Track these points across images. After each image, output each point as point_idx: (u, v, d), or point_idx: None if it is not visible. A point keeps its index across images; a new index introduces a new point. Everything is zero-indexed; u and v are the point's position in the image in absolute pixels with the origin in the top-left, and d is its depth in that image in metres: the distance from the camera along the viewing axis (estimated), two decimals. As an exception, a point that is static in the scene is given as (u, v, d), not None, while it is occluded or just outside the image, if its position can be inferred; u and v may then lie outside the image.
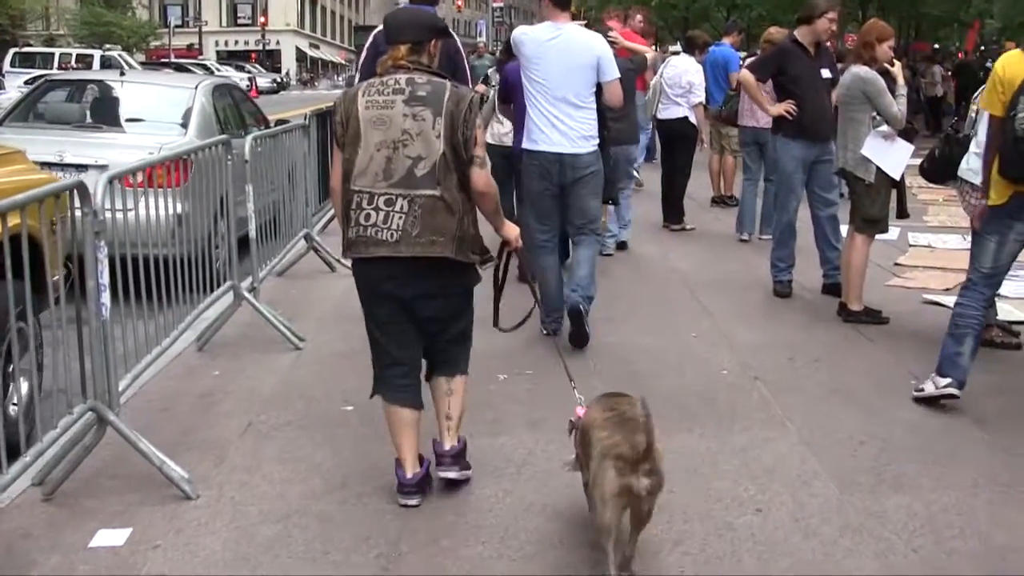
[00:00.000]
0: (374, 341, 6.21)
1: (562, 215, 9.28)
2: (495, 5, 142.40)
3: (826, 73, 11.12)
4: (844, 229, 10.90)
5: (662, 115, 15.59)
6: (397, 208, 5.74)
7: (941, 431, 7.31)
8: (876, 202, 9.92)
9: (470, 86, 9.00)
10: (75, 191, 5.98)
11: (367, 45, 10.06)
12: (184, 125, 12.29)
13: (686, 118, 15.25)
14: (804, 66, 10.99)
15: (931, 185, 10.83)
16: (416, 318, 6.02)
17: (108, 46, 61.53)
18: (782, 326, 10.07)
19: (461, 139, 5.75)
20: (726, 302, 10.93)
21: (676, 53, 17.91)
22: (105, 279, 6.05)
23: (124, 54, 58.13)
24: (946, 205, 16.86)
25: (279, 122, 14.19)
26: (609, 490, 4.96)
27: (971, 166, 8.67)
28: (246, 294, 9.25)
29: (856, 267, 9.96)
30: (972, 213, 8.36)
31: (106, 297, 6.07)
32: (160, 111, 12.72)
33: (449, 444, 6.25)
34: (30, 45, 63.90)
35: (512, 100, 9.90)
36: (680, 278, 12.14)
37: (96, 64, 49.65)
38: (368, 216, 5.78)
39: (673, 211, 15.40)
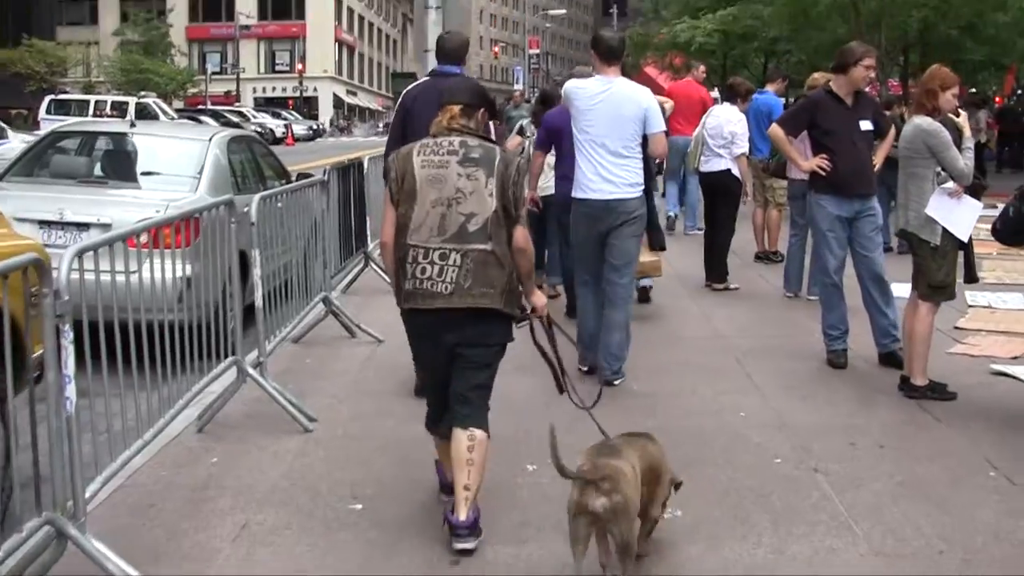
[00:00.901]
0: (426, 382, 6.84)
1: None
2: (531, 52, 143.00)
3: (866, 125, 10.34)
4: (897, 287, 10.33)
5: (704, 167, 14.88)
6: (451, 262, 6.13)
7: (1031, 539, 6.36)
8: (943, 267, 9.07)
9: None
10: (32, 268, 5.22)
11: (396, 107, 10.12)
12: (196, 181, 11.51)
13: (729, 170, 14.53)
14: (839, 118, 10.24)
15: (982, 238, 10.04)
16: (453, 361, 6.32)
17: (143, 93, 61.23)
18: (839, 403, 9.13)
19: (512, 198, 6.18)
20: (776, 373, 10.04)
21: (715, 101, 17.27)
22: (70, 369, 5.27)
23: (159, 101, 58.19)
24: (1000, 259, 15.95)
25: (301, 176, 13.43)
26: (570, 506, 5.37)
27: None
28: (250, 370, 8.44)
29: (920, 337, 9.10)
30: None
31: (71, 390, 5.28)
32: (171, 165, 11.95)
33: (464, 515, 6.18)
34: (66, 92, 63.81)
35: (554, 144, 11.20)
36: (724, 344, 11.27)
37: (131, 111, 49.75)
38: (424, 270, 6.16)
39: (716, 268, 14.61)
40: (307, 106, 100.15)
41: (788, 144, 10.75)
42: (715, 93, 23.53)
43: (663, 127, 9.62)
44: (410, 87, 10.06)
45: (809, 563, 5.98)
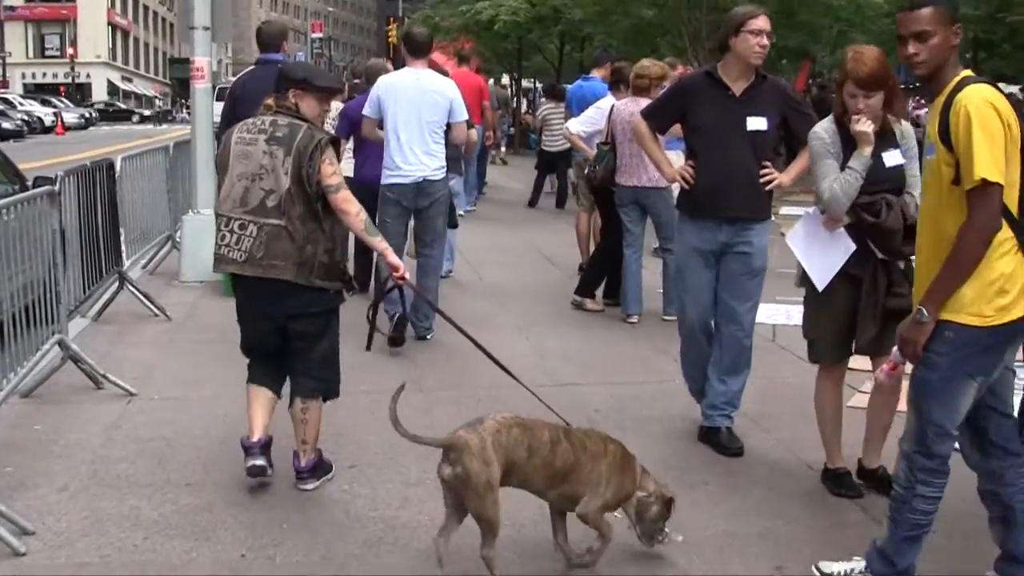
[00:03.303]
0: (243, 341, 7.01)
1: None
2: (314, 36, 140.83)
3: (756, 123, 7.61)
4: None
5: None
6: (248, 232, 6.54)
7: None
8: (807, 315, 7.04)
9: None
10: None
11: (227, 95, 11.74)
12: None
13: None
14: (715, 111, 7.65)
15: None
16: (286, 335, 6.77)
17: None
18: (749, 498, 6.88)
19: (305, 175, 6.44)
20: (655, 450, 7.54)
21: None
22: None
23: (-86, 90, 54.28)
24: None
25: (40, 181, 10.68)
26: None
27: None
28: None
29: (819, 409, 7.11)
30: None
31: None
32: None
33: (304, 461, 6.84)
34: None
35: (354, 134, 11.71)
36: (571, 398, 8.51)
37: None
38: (224, 237, 6.61)
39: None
40: (80, 93, 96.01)
41: (653, 143, 8.27)
42: (505, 79, 22.85)
43: (465, 117, 10.75)
44: (239, 75, 11.96)
45: None
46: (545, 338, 11.03)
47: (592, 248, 13.96)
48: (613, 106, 12.12)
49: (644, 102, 11.10)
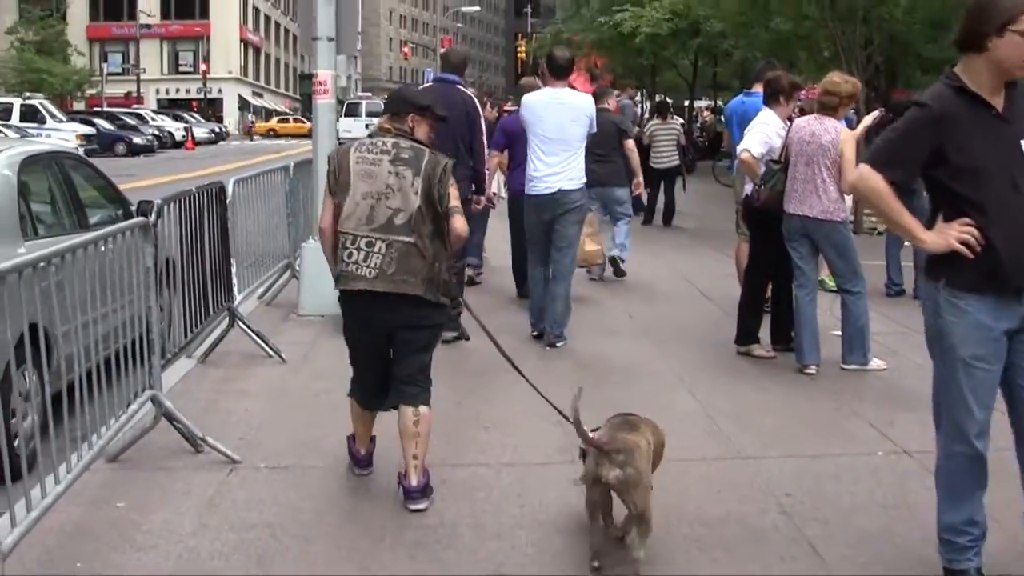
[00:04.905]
0: (355, 360, 7.11)
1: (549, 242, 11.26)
2: (443, 51, 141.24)
3: None
4: None
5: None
6: (376, 250, 6.65)
7: None
8: None
9: (483, 138, 11.51)
10: None
11: None
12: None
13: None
14: (988, 142, 5.25)
15: None
16: (394, 342, 6.87)
17: (28, 94, 57.07)
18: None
19: (436, 195, 6.68)
20: (864, 547, 6.10)
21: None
22: None
23: (46, 103, 54.37)
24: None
25: (143, 205, 9.32)
26: (586, 476, 5.70)
27: None
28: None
29: None
30: None
31: None
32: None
33: (416, 480, 6.76)
34: (-44, 95, 60.44)
35: (511, 147, 12.89)
36: (760, 481, 7.26)
37: (15, 114, 47.98)
38: (351, 255, 6.70)
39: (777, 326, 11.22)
40: (212, 108, 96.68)
41: (898, 204, 5.45)
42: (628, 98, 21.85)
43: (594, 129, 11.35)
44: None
45: None
46: (712, 393, 9.50)
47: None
48: (792, 122, 10.53)
49: (829, 122, 9.83)
